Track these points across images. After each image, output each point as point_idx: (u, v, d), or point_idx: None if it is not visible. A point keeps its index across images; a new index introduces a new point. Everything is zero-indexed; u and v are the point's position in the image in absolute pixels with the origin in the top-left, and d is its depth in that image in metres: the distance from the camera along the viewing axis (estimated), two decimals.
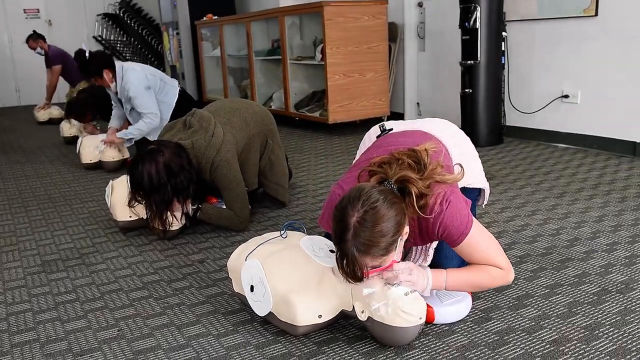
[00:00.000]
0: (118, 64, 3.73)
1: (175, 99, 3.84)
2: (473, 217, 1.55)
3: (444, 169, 1.56)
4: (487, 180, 1.92)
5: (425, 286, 1.52)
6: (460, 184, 1.75)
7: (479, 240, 1.55)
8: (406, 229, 1.46)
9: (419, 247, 1.76)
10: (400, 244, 1.47)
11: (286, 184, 2.86)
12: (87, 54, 3.71)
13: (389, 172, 1.48)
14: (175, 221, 2.40)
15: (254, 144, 2.66)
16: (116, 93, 3.79)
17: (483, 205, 2.02)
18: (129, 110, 3.82)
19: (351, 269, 1.41)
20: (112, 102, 4.02)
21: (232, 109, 2.66)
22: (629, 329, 1.55)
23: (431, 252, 1.75)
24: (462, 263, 1.81)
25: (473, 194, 1.86)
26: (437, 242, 1.74)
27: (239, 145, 2.55)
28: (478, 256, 1.56)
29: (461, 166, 1.60)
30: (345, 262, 1.41)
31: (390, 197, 1.41)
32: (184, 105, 3.78)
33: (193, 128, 2.46)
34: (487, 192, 1.93)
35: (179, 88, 3.92)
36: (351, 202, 1.39)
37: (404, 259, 1.77)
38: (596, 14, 3.60)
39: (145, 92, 3.69)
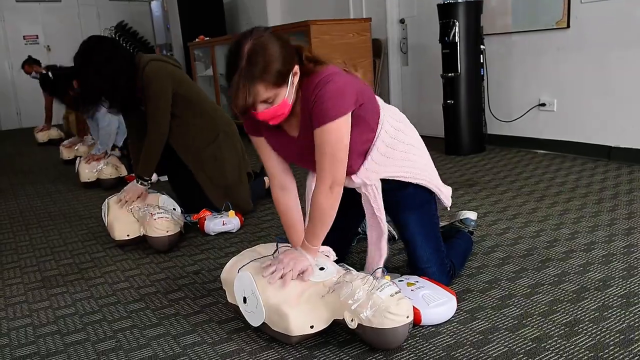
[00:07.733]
0: None
1: None
2: (347, 118, 1.52)
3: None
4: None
5: (307, 260, 1.58)
6: (394, 172, 1.74)
7: (336, 138, 1.52)
8: (296, 69, 1.50)
9: (373, 247, 1.78)
10: (292, 85, 1.49)
11: (220, 185, 2.79)
12: (50, 75, 3.62)
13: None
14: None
15: (197, 116, 2.74)
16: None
17: (448, 208, 1.97)
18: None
19: (243, 99, 1.42)
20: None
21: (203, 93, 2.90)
22: (606, 324, 1.56)
23: (384, 245, 1.76)
24: (441, 266, 1.81)
25: (422, 195, 1.82)
26: (386, 232, 1.76)
27: (184, 92, 2.68)
28: (322, 154, 1.54)
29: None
30: (239, 93, 1.42)
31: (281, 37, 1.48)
32: None
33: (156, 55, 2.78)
34: (443, 192, 1.86)
35: None
36: (243, 35, 1.45)
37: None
38: (568, 26, 3.65)
39: None
